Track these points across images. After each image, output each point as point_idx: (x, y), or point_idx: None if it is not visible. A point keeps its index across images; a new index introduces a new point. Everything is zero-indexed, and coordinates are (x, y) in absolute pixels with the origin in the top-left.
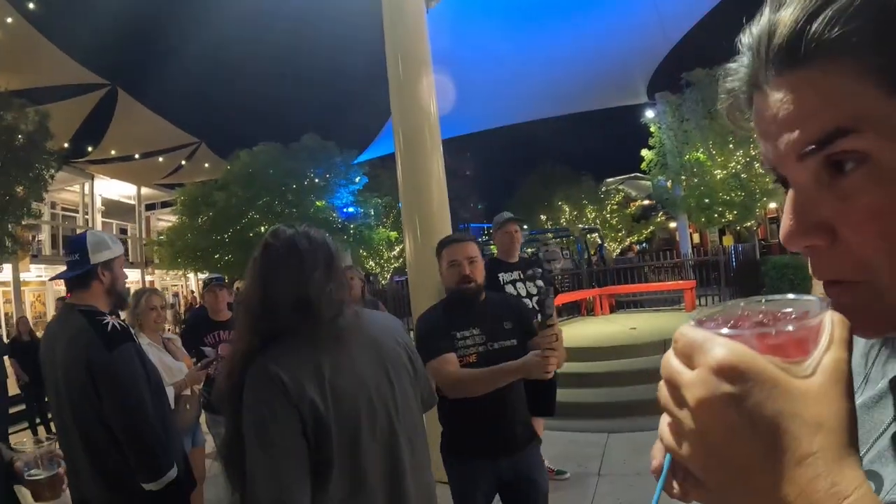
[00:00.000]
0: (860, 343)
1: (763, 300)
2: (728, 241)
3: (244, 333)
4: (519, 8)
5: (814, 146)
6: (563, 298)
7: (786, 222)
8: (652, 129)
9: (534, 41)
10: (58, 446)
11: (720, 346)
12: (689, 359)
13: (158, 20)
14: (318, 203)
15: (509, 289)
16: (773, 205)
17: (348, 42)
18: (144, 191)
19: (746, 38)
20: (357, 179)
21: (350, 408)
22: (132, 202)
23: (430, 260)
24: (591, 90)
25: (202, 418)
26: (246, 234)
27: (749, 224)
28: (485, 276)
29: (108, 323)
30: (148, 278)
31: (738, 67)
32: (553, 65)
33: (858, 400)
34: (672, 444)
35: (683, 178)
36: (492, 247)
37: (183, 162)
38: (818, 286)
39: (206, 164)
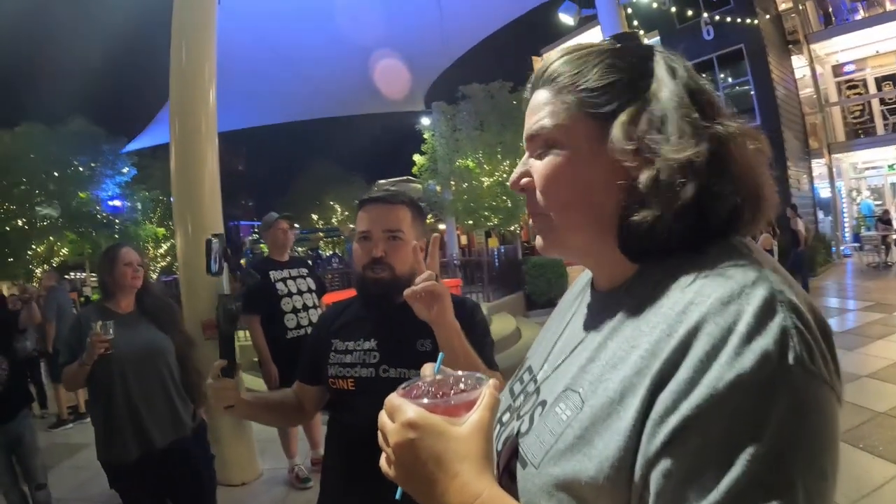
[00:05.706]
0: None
1: (456, 375)
2: (493, 242)
3: None
4: (306, 6)
5: (531, 134)
6: (331, 297)
7: (514, 174)
8: (426, 136)
9: (319, 42)
10: None
11: (408, 410)
12: (392, 416)
13: None
14: (81, 195)
15: (280, 286)
16: None
17: (132, 25)
18: None
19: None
20: (125, 170)
21: None
22: None
23: (203, 257)
24: (370, 94)
25: None
26: (1, 228)
27: (513, 227)
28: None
29: None
30: None
31: (531, 82)
32: (334, 65)
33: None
34: (386, 469)
35: (453, 183)
36: (262, 246)
37: None
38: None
39: None
